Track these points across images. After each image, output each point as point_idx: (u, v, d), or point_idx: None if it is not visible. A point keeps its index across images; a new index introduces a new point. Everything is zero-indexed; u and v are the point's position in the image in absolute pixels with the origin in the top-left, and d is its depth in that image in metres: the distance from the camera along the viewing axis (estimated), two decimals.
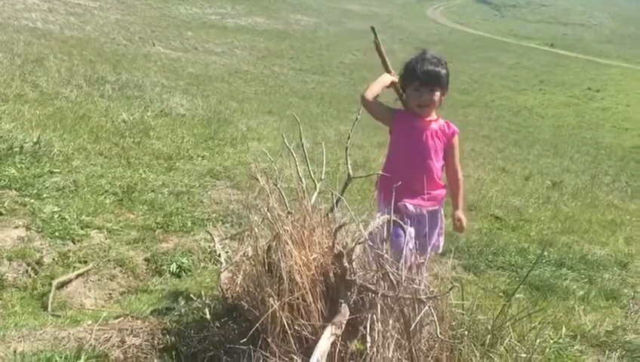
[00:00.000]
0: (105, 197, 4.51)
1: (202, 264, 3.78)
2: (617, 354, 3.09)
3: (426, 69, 2.86)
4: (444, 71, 2.90)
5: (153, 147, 6.17)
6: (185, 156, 6.10)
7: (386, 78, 2.98)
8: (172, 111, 8.43)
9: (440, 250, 3.17)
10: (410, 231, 2.55)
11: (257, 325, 2.16)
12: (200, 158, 6.17)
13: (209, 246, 3.88)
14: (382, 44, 3.04)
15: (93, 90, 8.93)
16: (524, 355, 2.43)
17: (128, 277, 3.54)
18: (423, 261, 2.36)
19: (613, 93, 28.73)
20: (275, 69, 22.95)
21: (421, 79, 2.87)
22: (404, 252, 2.29)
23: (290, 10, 43.16)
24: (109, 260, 3.60)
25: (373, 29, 3.11)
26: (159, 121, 7.62)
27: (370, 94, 2.91)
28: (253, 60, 23.94)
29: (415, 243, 2.40)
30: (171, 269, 3.64)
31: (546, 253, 4.85)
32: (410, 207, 2.85)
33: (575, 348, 3.11)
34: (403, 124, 2.99)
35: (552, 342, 3.00)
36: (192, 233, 4.16)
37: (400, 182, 2.60)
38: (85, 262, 3.55)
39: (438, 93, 2.91)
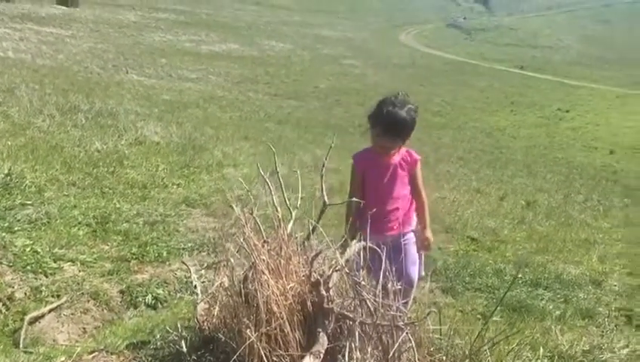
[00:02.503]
0: (78, 229, 4.44)
1: (179, 294, 3.73)
2: None
3: (390, 117, 2.93)
4: (408, 119, 2.96)
5: (127, 176, 6.10)
6: (160, 184, 6.05)
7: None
8: (146, 139, 8.36)
9: (416, 278, 3.20)
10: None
11: (235, 357, 2.13)
12: (175, 186, 6.12)
13: (185, 276, 3.84)
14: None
15: (66, 119, 8.82)
16: None
17: (103, 310, 3.48)
18: (400, 287, 2.36)
19: (582, 113, 29.33)
20: (250, 95, 22.95)
21: (382, 127, 2.97)
22: (380, 278, 2.29)
23: (264, 37, 43.43)
24: (82, 293, 3.54)
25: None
26: (133, 149, 7.56)
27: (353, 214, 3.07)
28: (229, 86, 23.92)
29: (392, 269, 2.40)
30: (147, 301, 3.59)
31: (521, 274, 4.90)
32: (388, 237, 2.93)
33: None
34: (369, 166, 3.13)
35: None
36: (167, 263, 4.11)
37: (377, 216, 2.72)
38: (58, 296, 3.48)
39: (399, 140, 3.04)
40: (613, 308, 4.47)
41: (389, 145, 3.04)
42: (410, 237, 3.21)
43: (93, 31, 31.13)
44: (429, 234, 3.23)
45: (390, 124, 2.95)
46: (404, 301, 2.68)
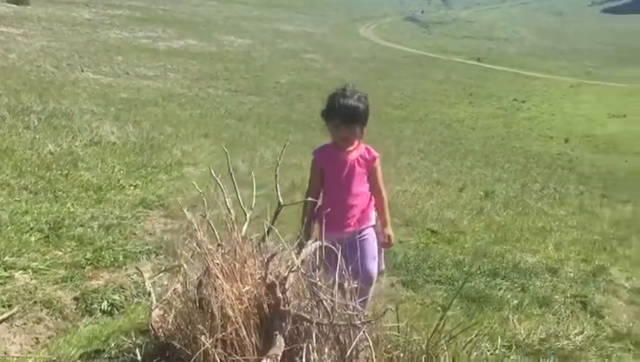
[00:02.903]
0: (30, 235, 4.29)
1: (136, 299, 3.64)
2: None
3: (344, 108, 3.00)
4: (362, 107, 3.04)
5: (82, 178, 5.94)
6: (116, 186, 5.91)
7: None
8: (102, 139, 8.16)
9: (375, 273, 3.21)
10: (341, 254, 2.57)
11: None
12: (132, 188, 5.99)
13: (142, 281, 3.75)
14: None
15: (17, 121, 8.55)
16: None
17: (56, 318, 3.37)
18: (356, 285, 2.35)
19: (538, 104, 30.08)
20: (210, 91, 22.69)
21: (340, 118, 3.03)
22: (336, 277, 2.28)
23: (222, 32, 42.97)
24: (35, 302, 3.42)
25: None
26: (88, 150, 7.37)
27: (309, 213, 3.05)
28: (188, 83, 23.58)
29: (348, 268, 2.40)
30: (102, 307, 3.50)
31: (479, 265, 4.97)
32: (345, 234, 2.93)
33: (511, 358, 3.19)
34: (327, 162, 3.17)
35: (489, 353, 3.06)
36: (124, 267, 4.01)
37: (334, 212, 2.76)
38: (9, 305, 3.36)
39: (357, 129, 3.08)
40: (568, 295, 4.59)
41: (349, 134, 3.07)
42: (369, 233, 3.20)
43: (45, 29, 30.26)
44: (389, 231, 3.24)
45: (346, 114, 3.01)
46: (362, 299, 2.68)
